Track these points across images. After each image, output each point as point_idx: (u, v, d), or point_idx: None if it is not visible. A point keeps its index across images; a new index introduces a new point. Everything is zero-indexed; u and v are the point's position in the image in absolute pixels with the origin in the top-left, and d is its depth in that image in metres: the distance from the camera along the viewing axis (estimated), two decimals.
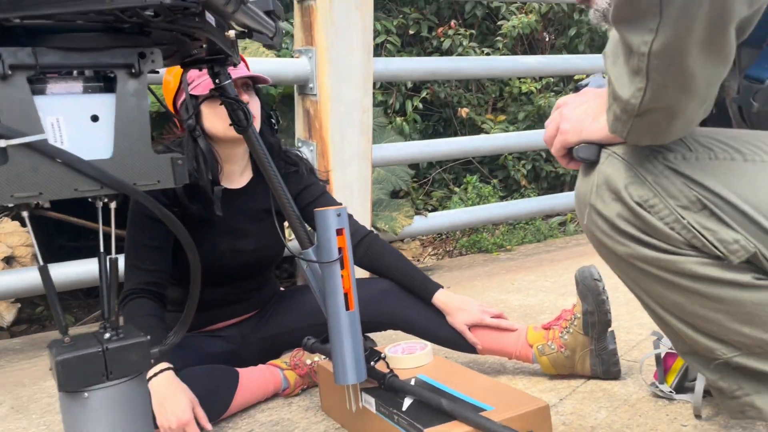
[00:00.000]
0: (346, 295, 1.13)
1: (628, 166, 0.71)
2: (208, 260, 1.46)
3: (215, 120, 1.41)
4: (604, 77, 0.91)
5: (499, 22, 3.83)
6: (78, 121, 0.79)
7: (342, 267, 1.13)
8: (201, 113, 1.42)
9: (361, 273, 1.93)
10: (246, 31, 0.99)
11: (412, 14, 3.88)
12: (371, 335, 1.59)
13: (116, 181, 0.78)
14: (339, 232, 1.13)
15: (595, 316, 1.40)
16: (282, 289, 1.72)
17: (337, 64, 2.18)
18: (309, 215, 1.54)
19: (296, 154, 1.64)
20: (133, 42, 0.80)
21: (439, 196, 4.05)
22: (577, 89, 0.89)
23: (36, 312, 2.84)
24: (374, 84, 3.91)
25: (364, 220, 2.37)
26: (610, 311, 1.41)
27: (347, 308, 1.13)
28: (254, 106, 1.48)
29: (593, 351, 1.42)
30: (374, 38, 3.77)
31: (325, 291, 1.14)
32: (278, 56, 3.07)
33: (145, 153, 0.80)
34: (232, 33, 0.99)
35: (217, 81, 1.06)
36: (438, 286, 1.52)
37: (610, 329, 1.43)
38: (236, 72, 1.41)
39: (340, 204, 1.64)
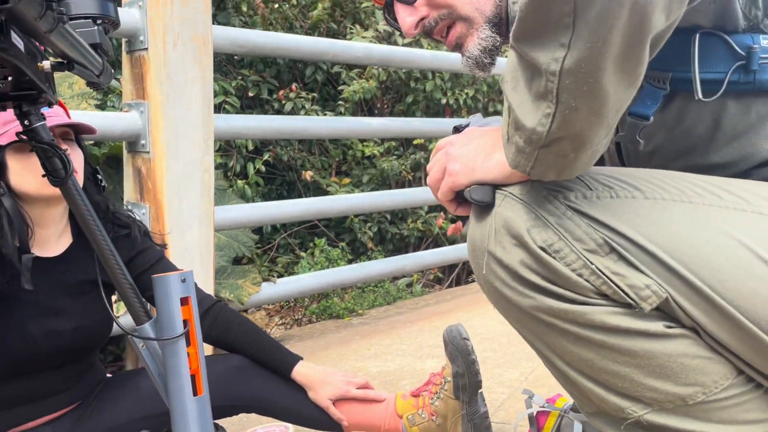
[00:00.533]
0: (193, 377, 0.95)
1: (528, 208, 0.64)
2: (16, 346, 1.19)
3: (25, 175, 1.18)
4: (483, 117, 0.87)
5: (339, 87, 3.86)
6: None
7: (188, 343, 0.95)
8: (6, 166, 1.17)
9: (209, 349, 1.72)
10: (65, 62, 0.81)
11: (251, 76, 3.78)
12: (223, 422, 1.38)
13: None
14: (184, 301, 0.95)
15: (466, 378, 1.33)
16: (109, 375, 1.46)
17: (174, 120, 1.99)
18: (144, 285, 1.33)
19: (127, 214, 1.42)
20: None
21: (284, 261, 3.89)
22: (457, 130, 0.83)
23: None
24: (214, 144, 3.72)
25: (207, 289, 2.15)
26: (479, 372, 1.35)
27: (195, 393, 0.94)
28: (76, 159, 1.26)
29: (465, 416, 1.35)
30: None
31: (167, 374, 0.94)
32: (100, 109, 2.79)
33: None
34: (47, 64, 0.81)
35: (26, 123, 0.86)
36: (297, 358, 1.37)
37: (480, 391, 1.36)
38: (54, 119, 1.19)
39: (182, 270, 1.44)
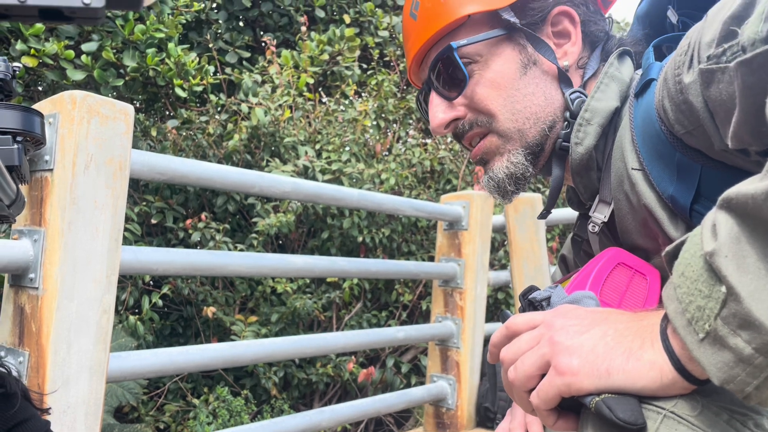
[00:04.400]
0: None
1: None
2: None
3: None
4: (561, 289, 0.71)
5: (253, 219, 3.67)
6: None
7: None
8: None
9: None
10: None
11: (156, 202, 3.52)
12: None
13: None
14: None
15: None
16: None
17: (73, 252, 1.70)
18: None
19: (3, 369, 1.11)
20: None
21: (173, 410, 3.42)
22: (532, 305, 0.66)
23: None
24: None
25: None
26: None
27: None
28: None
29: None
30: None
31: None
32: None
33: None
34: None
35: None
36: None
37: None
38: None
39: None
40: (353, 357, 3.89)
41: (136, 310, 3.42)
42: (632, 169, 0.76)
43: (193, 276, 3.49)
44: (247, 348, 2.31)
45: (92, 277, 1.75)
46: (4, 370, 1.08)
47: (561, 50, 0.87)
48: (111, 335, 1.82)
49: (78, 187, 1.71)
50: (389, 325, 4.11)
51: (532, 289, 0.74)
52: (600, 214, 0.84)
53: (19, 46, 3.02)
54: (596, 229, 0.84)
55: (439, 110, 0.88)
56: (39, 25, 3.11)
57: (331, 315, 3.96)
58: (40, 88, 3.42)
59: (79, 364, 1.72)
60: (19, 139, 0.75)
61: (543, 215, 0.94)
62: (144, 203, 3.45)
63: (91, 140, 1.74)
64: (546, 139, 0.87)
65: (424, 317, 4.21)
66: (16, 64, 0.77)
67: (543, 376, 0.60)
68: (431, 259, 4.18)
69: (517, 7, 0.85)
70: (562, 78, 0.86)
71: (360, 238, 3.83)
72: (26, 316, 1.70)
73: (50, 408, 1.35)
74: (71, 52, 3.07)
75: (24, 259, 1.69)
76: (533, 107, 0.85)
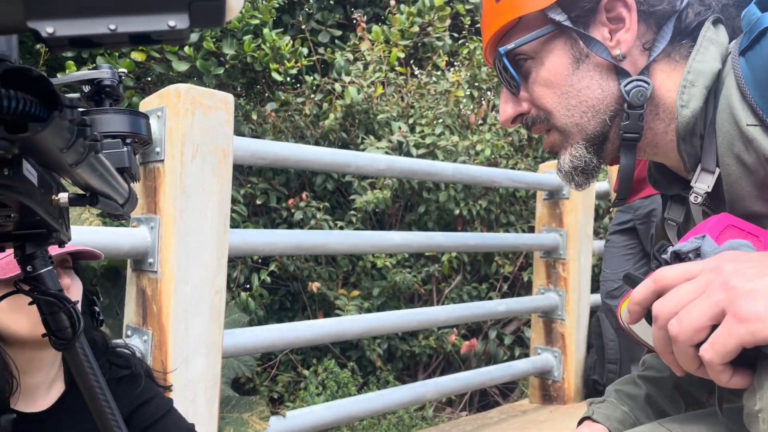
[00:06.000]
0: None
1: None
2: None
3: (16, 316, 0.97)
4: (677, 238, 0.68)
5: (351, 197, 3.74)
6: None
7: None
8: None
9: None
10: (87, 194, 0.64)
11: (260, 184, 3.66)
12: None
13: None
14: None
15: None
16: None
17: (186, 237, 1.81)
18: None
19: (128, 351, 1.21)
20: None
21: (285, 380, 3.59)
22: (677, 257, 0.64)
23: None
24: None
25: (210, 428, 1.88)
26: None
27: None
28: (75, 290, 1.07)
29: None
30: None
31: None
32: (104, 224, 2.62)
33: None
34: (63, 197, 0.63)
35: (29, 268, 0.67)
36: None
37: None
38: (53, 247, 1.01)
39: (191, 425, 1.21)
40: (455, 329, 3.90)
41: (247, 287, 3.60)
42: (747, 125, 0.74)
43: (296, 255, 3.62)
44: (353, 323, 2.37)
45: (204, 260, 1.85)
46: (129, 351, 1.17)
47: (615, 38, 0.84)
48: (224, 314, 1.93)
49: (187, 176, 1.81)
50: (490, 298, 4.08)
51: (664, 245, 0.71)
52: (703, 184, 0.81)
53: None
54: (699, 199, 0.82)
55: (508, 106, 0.91)
56: None
57: (431, 288, 3.98)
58: (149, 79, 3.62)
59: (196, 342, 1.84)
60: (128, 141, 0.80)
61: (617, 203, 0.93)
62: (249, 185, 3.60)
63: (196, 131, 1.83)
64: (608, 129, 0.86)
65: (526, 289, 4.14)
66: (121, 69, 0.82)
67: (714, 328, 0.55)
68: (531, 229, 4.08)
69: (565, 2, 0.84)
70: (617, 68, 0.84)
71: (457, 211, 3.81)
72: (148, 298, 1.84)
73: (172, 385, 1.46)
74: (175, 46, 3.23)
75: (143, 245, 1.81)
76: (590, 101, 0.85)
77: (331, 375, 3.13)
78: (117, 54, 3.23)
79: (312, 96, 3.89)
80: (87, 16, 0.32)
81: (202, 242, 1.84)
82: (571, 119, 0.86)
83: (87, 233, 1.76)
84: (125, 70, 0.84)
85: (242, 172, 3.81)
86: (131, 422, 1.14)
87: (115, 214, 0.79)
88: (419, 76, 4.29)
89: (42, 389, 1.07)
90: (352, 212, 3.55)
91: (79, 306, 1.06)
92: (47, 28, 0.31)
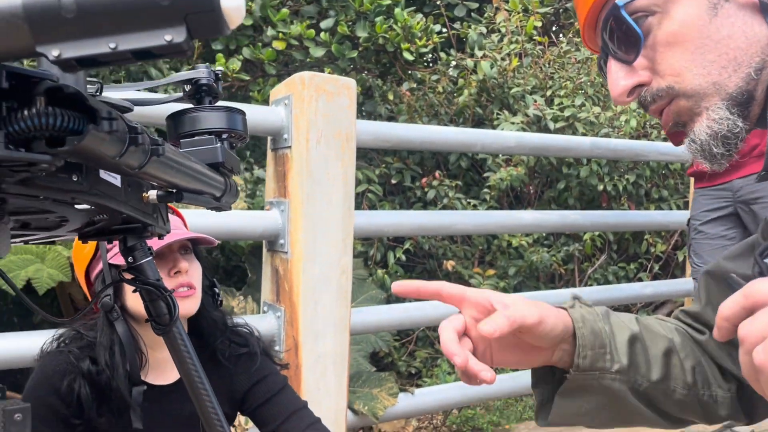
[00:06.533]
0: None
1: None
2: None
3: (132, 297, 1.07)
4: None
5: (485, 174, 3.67)
6: None
7: None
8: (122, 289, 1.08)
9: None
10: (174, 191, 0.68)
11: (394, 164, 3.71)
12: None
13: None
14: None
15: None
16: None
17: (313, 219, 1.89)
18: (263, 418, 1.16)
19: (246, 330, 1.28)
20: None
21: (423, 356, 3.65)
22: None
23: None
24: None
25: (339, 402, 1.96)
26: None
27: None
28: (193, 273, 1.15)
29: None
30: (355, 187, 3.57)
31: None
32: (250, 207, 2.80)
33: None
34: (152, 194, 0.68)
35: (130, 259, 0.74)
36: None
37: None
38: (172, 234, 1.09)
39: (304, 402, 1.26)
40: None
41: (383, 265, 3.69)
42: None
43: (421, 235, 3.64)
44: None
45: (330, 241, 1.92)
46: (247, 330, 1.25)
47: None
48: (351, 293, 1.99)
49: (312, 160, 1.88)
50: (639, 279, 3.81)
51: None
52: None
53: (270, 32, 3.38)
54: None
55: (619, 77, 0.76)
56: (285, 10, 3.44)
57: (572, 268, 3.81)
58: (288, 67, 3.80)
59: (324, 319, 1.93)
60: (224, 136, 0.84)
61: (764, 176, 0.76)
62: (384, 165, 3.66)
63: (320, 116, 1.89)
64: (755, 85, 0.71)
65: (682, 269, 3.82)
66: (218, 68, 0.87)
67: None
68: (687, 205, 3.75)
69: None
70: (765, 7, 0.69)
71: (600, 187, 3.59)
72: (280, 277, 1.95)
73: (288, 364, 1.53)
74: (312, 31, 3.35)
75: (275, 227, 1.92)
76: (732, 52, 0.70)
77: None
78: (260, 44, 3.42)
79: (446, 73, 3.85)
80: (88, 37, 0.33)
81: (328, 224, 1.91)
82: (707, 78, 0.72)
83: (226, 216, 1.89)
84: (222, 69, 0.88)
85: (377, 151, 3.89)
86: (248, 398, 1.21)
87: (214, 207, 0.84)
88: (559, 44, 4.08)
89: (170, 363, 1.17)
90: (486, 190, 3.49)
91: (199, 289, 1.15)
92: (53, 52, 0.33)
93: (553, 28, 4.35)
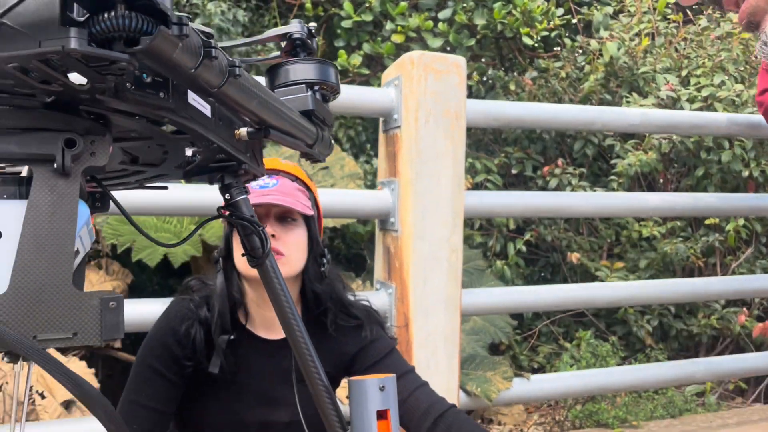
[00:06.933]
0: None
1: None
2: None
3: (237, 254, 1.14)
4: None
5: (613, 161, 3.49)
6: None
7: None
8: (231, 248, 1.15)
9: None
10: (261, 128, 0.73)
11: (515, 153, 3.64)
12: None
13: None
14: (381, 414, 0.77)
15: None
16: None
17: (422, 197, 1.91)
18: None
19: (364, 306, 1.30)
20: (65, 123, 0.55)
21: (546, 352, 3.53)
22: None
23: None
24: (472, 224, 3.62)
25: (451, 381, 1.96)
26: None
27: None
28: (287, 241, 1.15)
29: None
30: (474, 177, 3.53)
31: None
32: (365, 189, 2.88)
33: (61, 290, 0.52)
34: (243, 131, 0.73)
35: (227, 196, 0.80)
36: None
37: None
38: (267, 197, 1.13)
39: (412, 366, 1.27)
40: (745, 308, 3.39)
41: (504, 256, 3.62)
42: None
43: (540, 218, 3.52)
44: (602, 288, 2.23)
45: (440, 219, 1.93)
46: (362, 303, 1.28)
47: None
48: (461, 272, 1.98)
49: (421, 139, 1.91)
50: None
51: None
52: None
53: (389, 26, 3.45)
54: None
55: None
56: (403, 3, 3.50)
57: (714, 262, 3.51)
58: None
59: (434, 297, 1.93)
60: (315, 87, 0.88)
61: None
62: (503, 154, 3.60)
63: (428, 95, 1.91)
64: None
65: None
66: (311, 24, 0.91)
67: None
68: None
69: None
70: None
71: (746, 173, 3.28)
72: (391, 255, 1.99)
73: (396, 339, 1.52)
74: (430, 23, 3.38)
75: (385, 205, 1.96)
76: None
77: (588, 347, 2.98)
78: (380, 39, 3.50)
79: (569, 58, 3.72)
80: None
81: (437, 202, 1.92)
82: None
83: (339, 195, 1.97)
84: (315, 25, 0.92)
85: (498, 142, 3.83)
86: (356, 361, 1.24)
87: (308, 154, 0.88)
88: (697, 21, 3.78)
89: (277, 321, 1.23)
90: (613, 177, 3.31)
91: (294, 258, 1.16)
92: None
93: (693, 6, 4.04)
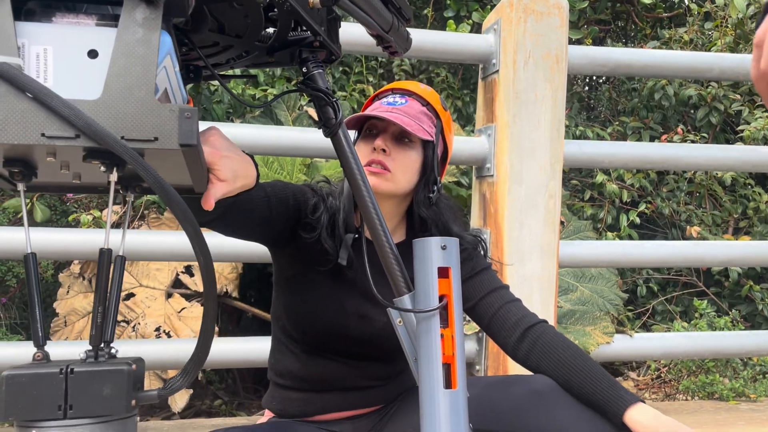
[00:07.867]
0: (447, 366, 0.78)
1: None
2: (331, 320, 1.19)
3: (363, 161, 1.18)
4: None
5: (739, 127, 3.25)
6: (71, 56, 0.62)
7: (444, 324, 0.78)
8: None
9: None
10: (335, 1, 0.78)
11: (630, 123, 3.48)
12: None
13: (94, 127, 0.58)
14: (443, 272, 0.80)
15: None
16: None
17: (519, 141, 1.90)
18: (464, 294, 1.20)
19: (473, 238, 1.32)
20: None
21: (660, 330, 3.36)
22: None
23: (214, 405, 2.77)
24: (583, 196, 3.50)
25: None
26: None
27: (448, 385, 0.77)
28: (396, 158, 1.16)
29: None
30: None
31: (419, 356, 0.80)
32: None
33: (144, 99, 0.60)
34: (317, 1, 0.79)
35: (304, 69, 0.86)
36: (634, 399, 1.05)
37: None
38: (385, 113, 1.14)
39: (506, 285, 1.28)
40: None
41: (616, 229, 3.48)
42: None
43: (641, 168, 3.32)
44: (711, 248, 2.08)
45: (537, 164, 1.91)
46: (473, 239, 1.30)
47: None
48: (558, 220, 1.95)
49: (519, 82, 1.89)
50: None
51: None
52: None
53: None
54: None
55: None
56: None
57: None
58: None
59: (531, 242, 1.92)
60: None
61: None
62: (617, 123, 3.46)
63: (528, 37, 1.89)
64: None
65: None
66: None
67: None
68: None
69: None
70: None
71: None
72: (486, 201, 1.99)
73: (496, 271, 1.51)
74: None
75: (482, 151, 1.97)
76: None
77: (702, 317, 2.80)
78: (489, 7, 3.49)
79: (695, 22, 3.49)
80: None
81: (535, 146, 1.90)
82: None
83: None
84: None
85: (614, 113, 3.69)
86: None
87: (388, 46, 0.93)
88: None
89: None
90: (739, 143, 3.08)
91: (399, 175, 1.20)
92: None
93: None
